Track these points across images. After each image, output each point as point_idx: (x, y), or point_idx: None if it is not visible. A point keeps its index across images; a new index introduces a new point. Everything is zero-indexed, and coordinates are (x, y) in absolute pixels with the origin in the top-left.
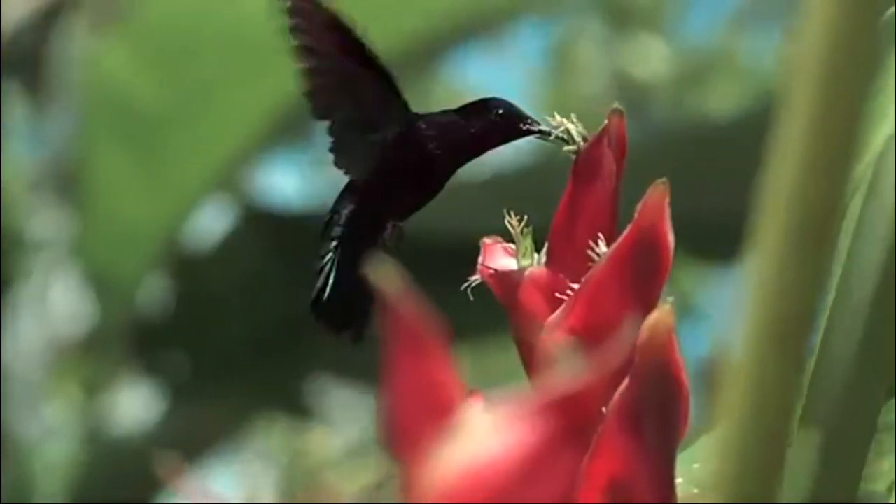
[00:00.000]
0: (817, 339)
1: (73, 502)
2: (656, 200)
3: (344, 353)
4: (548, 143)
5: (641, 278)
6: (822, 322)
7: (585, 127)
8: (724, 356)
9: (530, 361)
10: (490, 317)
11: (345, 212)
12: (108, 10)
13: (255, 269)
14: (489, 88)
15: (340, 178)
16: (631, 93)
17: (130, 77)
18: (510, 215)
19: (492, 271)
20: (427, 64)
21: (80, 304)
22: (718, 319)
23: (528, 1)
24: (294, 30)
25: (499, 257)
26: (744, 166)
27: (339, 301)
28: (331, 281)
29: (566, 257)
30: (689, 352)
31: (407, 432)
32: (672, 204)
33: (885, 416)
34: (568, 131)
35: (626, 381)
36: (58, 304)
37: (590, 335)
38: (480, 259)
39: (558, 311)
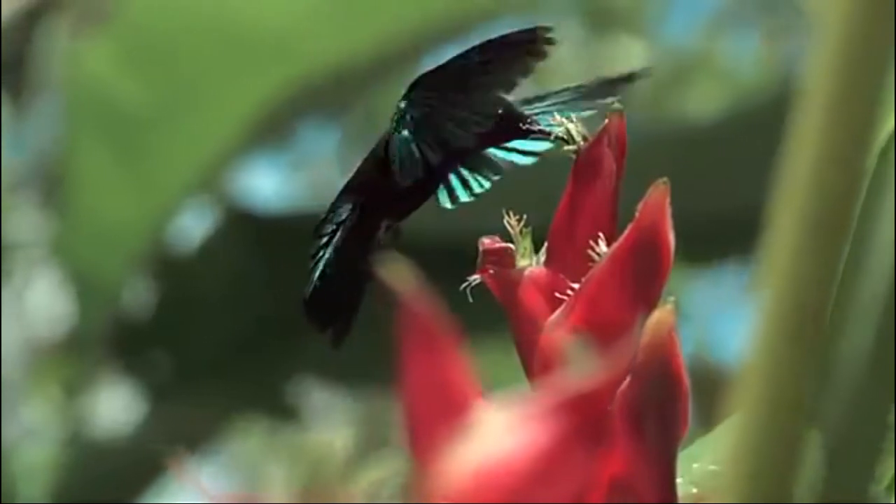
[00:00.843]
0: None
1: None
2: (657, 199)
3: (327, 354)
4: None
5: (642, 278)
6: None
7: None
8: (740, 354)
9: (529, 362)
10: (488, 317)
11: (341, 211)
12: (92, 10)
13: (237, 271)
14: None
15: (319, 180)
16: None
17: (114, 77)
18: (509, 215)
19: (490, 271)
20: (405, 66)
21: (61, 305)
22: (700, 320)
23: (506, 3)
24: None
25: (497, 257)
26: (724, 167)
27: (328, 298)
28: (322, 278)
29: (566, 257)
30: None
31: (420, 431)
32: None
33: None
34: (568, 131)
35: (626, 381)
36: (38, 304)
37: (591, 334)
38: (478, 259)
39: (558, 311)
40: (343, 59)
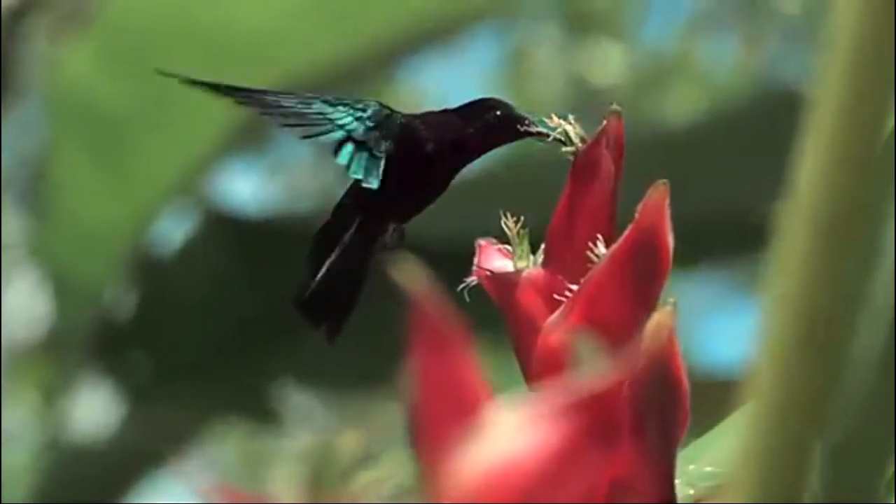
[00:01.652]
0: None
1: None
2: (656, 201)
3: (308, 356)
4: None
5: (642, 279)
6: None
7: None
8: (749, 358)
9: (527, 363)
10: (485, 318)
11: (345, 214)
12: (72, 13)
13: (217, 273)
14: (446, 94)
15: (297, 184)
16: (589, 97)
17: (94, 80)
18: (506, 216)
19: (488, 272)
20: (384, 70)
21: (41, 307)
22: (681, 324)
23: (485, 7)
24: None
25: (494, 258)
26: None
27: (328, 297)
28: (323, 278)
29: (564, 258)
30: None
31: (431, 432)
32: (632, 208)
33: None
34: (566, 132)
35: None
36: (18, 306)
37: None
38: (476, 260)
39: (557, 312)
40: (323, 62)
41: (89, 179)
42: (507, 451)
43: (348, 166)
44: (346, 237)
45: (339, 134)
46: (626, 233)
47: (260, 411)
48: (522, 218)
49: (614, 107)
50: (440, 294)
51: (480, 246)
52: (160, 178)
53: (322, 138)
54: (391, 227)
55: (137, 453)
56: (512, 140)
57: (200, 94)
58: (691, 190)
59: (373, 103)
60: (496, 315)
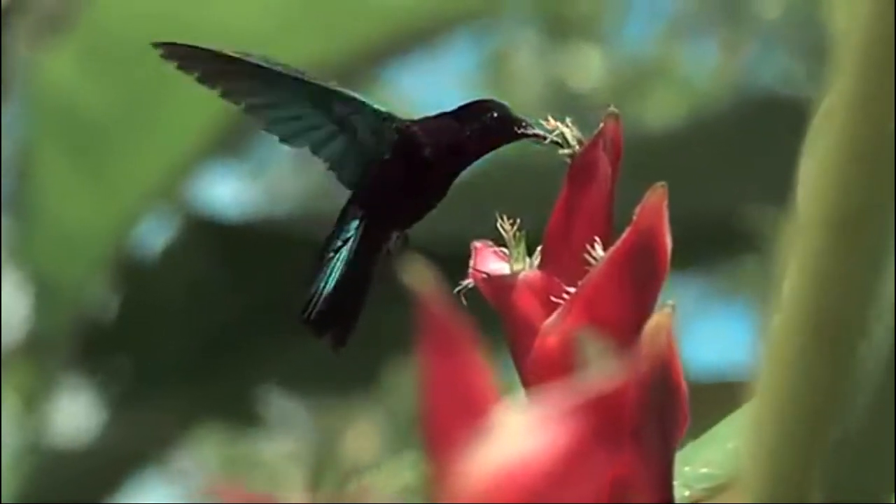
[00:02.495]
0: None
1: None
2: (655, 203)
3: (290, 360)
4: (542, 147)
5: (640, 281)
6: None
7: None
8: (752, 359)
9: (524, 366)
10: (481, 321)
11: (348, 225)
12: (54, 16)
13: (198, 277)
14: (426, 99)
15: (276, 189)
16: (568, 101)
17: (76, 84)
18: (503, 219)
19: (484, 275)
20: (365, 73)
21: (22, 310)
22: None
23: (464, 11)
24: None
25: (490, 261)
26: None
27: (334, 306)
28: (328, 287)
29: (562, 260)
30: None
31: (440, 433)
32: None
33: None
34: (563, 135)
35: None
36: None
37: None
38: (472, 262)
39: (555, 314)
40: (306, 65)
41: (71, 182)
42: (517, 453)
43: (331, 163)
44: (350, 246)
45: (330, 129)
46: (624, 235)
47: (242, 415)
48: (519, 220)
49: (612, 109)
50: (448, 296)
51: (476, 248)
52: (142, 182)
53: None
54: (395, 233)
55: (120, 457)
56: (509, 142)
57: (182, 98)
58: (670, 194)
59: (375, 106)
60: (492, 318)
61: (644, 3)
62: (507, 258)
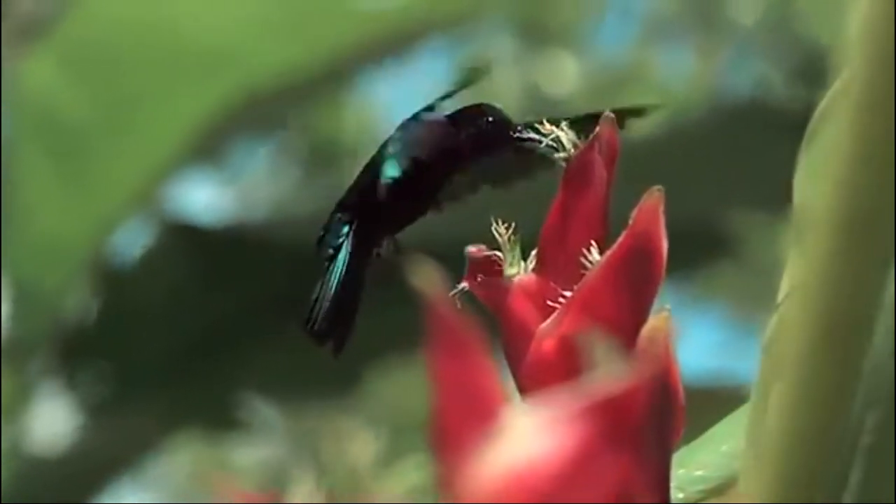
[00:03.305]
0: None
1: None
2: (651, 206)
3: (269, 365)
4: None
5: (636, 284)
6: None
7: None
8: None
9: (519, 370)
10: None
11: (337, 230)
12: (34, 21)
13: (177, 282)
14: (401, 105)
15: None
16: (544, 108)
17: (55, 88)
18: (497, 222)
19: (478, 279)
20: (339, 80)
21: (1, 315)
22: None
23: (440, 18)
24: None
25: (485, 265)
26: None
27: (334, 314)
28: (327, 295)
29: (557, 264)
30: None
31: (449, 435)
32: None
33: None
34: (558, 138)
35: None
36: None
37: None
38: (466, 266)
39: (551, 318)
40: (280, 72)
41: (50, 187)
42: (525, 455)
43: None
44: (344, 252)
45: None
46: (620, 238)
47: (221, 421)
48: (513, 224)
49: (608, 113)
50: (456, 297)
51: (470, 252)
52: (121, 187)
53: None
54: (386, 238)
55: (99, 462)
56: (505, 146)
57: (161, 104)
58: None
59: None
60: (488, 321)
61: (619, 9)
62: (502, 262)
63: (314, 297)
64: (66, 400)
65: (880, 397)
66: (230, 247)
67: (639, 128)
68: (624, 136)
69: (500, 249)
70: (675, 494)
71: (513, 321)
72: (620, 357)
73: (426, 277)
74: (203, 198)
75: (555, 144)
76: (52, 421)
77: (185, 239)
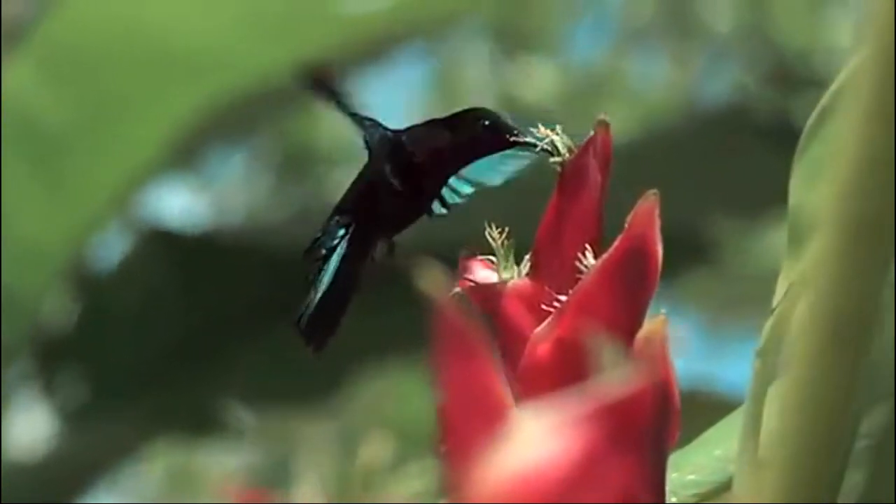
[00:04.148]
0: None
1: None
2: (646, 210)
3: (245, 370)
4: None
5: (632, 288)
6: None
7: None
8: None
9: (513, 374)
10: None
11: (333, 233)
12: (13, 27)
13: (154, 288)
14: (376, 110)
15: (225, 201)
16: (519, 114)
17: (34, 94)
18: (491, 227)
19: (472, 283)
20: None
21: None
22: None
23: (416, 24)
24: None
25: (478, 269)
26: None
27: (324, 314)
28: (318, 294)
29: (552, 268)
30: None
31: (457, 438)
32: None
33: None
34: (553, 142)
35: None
36: None
37: (580, 345)
38: (460, 271)
39: (547, 322)
40: (258, 76)
41: (28, 193)
42: (533, 458)
43: None
44: (338, 253)
45: None
46: (616, 242)
47: (198, 426)
48: (507, 229)
49: (602, 117)
50: (463, 300)
51: (464, 257)
52: (98, 193)
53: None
54: (381, 241)
55: (77, 467)
56: (500, 150)
57: (139, 110)
58: (621, 207)
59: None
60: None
61: (596, 15)
62: (496, 267)
63: (308, 296)
64: (44, 405)
65: (881, 396)
66: (206, 252)
67: (615, 133)
68: None
69: (493, 254)
70: (669, 498)
71: (507, 325)
72: (627, 361)
73: (433, 281)
74: (179, 203)
75: (550, 148)
76: (30, 426)
77: (161, 244)
